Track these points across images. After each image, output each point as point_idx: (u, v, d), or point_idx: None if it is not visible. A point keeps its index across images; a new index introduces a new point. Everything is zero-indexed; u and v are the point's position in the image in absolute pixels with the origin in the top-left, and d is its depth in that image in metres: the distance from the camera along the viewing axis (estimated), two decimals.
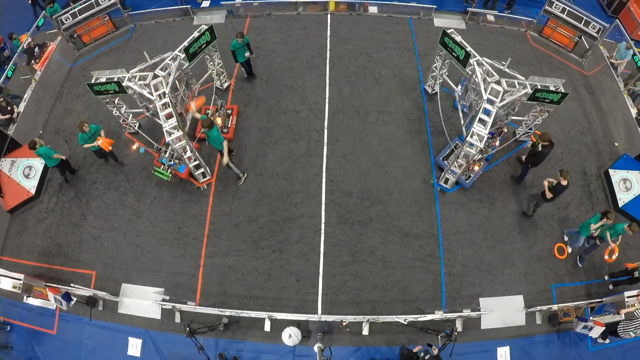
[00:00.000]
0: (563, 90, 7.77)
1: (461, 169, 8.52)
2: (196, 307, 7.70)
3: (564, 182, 7.77)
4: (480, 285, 8.34)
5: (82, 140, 8.51)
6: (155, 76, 7.87)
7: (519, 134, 9.53)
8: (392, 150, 9.83)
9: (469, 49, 8.20)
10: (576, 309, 7.93)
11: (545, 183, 7.95)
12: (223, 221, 8.97)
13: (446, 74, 9.74)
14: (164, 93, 7.78)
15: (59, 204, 9.32)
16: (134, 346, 7.88)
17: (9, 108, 9.71)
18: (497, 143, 9.03)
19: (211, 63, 9.95)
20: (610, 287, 8.32)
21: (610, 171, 9.35)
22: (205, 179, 9.37)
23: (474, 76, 8.13)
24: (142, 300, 8.18)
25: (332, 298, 8.17)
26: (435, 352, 6.71)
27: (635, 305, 7.37)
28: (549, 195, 7.94)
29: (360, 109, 10.47)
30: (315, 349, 6.80)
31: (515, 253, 8.65)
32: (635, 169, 9.30)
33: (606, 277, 8.36)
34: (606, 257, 7.78)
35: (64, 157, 8.83)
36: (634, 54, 10.05)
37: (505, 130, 9.06)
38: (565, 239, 8.69)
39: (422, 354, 6.72)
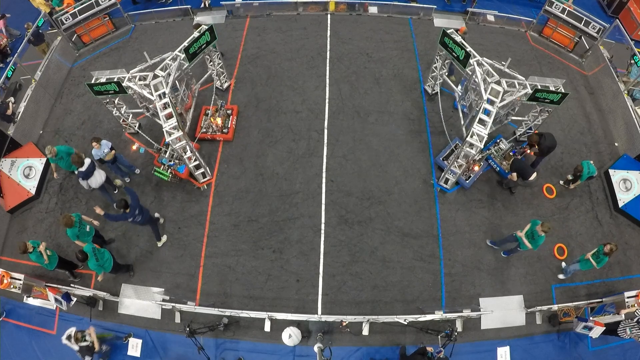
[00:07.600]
0: (563, 91, 7.77)
1: (461, 169, 8.52)
2: (196, 307, 7.69)
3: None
4: (480, 285, 8.34)
5: (74, 236, 7.61)
6: (155, 76, 7.87)
7: (518, 133, 9.56)
8: (392, 150, 9.83)
9: (469, 49, 8.19)
10: (576, 309, 7.93)
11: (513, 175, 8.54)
12: (223, 221, 8.97)
13: (446, 74, 9.74)
14: (164, 93, 7.78)
15: (59, 204, 9.32)
16: (134, 346, 7.87)
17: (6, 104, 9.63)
18: None
19: (211, 63, 9.95)
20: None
21: (610, 171, 9.35)
22: (205, 179, 9.36)
23: (474, 76, 8.13)
24: (142, 301, 8.19)
25: (332, 298, 8.17)
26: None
27: (635, 305, 7.38)
28: (514, 177, 8.49)
29: (360, 109, 10.47)
30: (315, 349, 6.81)
31: (515, 253, 8.64)
32: (635, 169, 9.30)
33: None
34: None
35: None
36: (634, 54, 10.03)
37: (528, 151, 8.90)
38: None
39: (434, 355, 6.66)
